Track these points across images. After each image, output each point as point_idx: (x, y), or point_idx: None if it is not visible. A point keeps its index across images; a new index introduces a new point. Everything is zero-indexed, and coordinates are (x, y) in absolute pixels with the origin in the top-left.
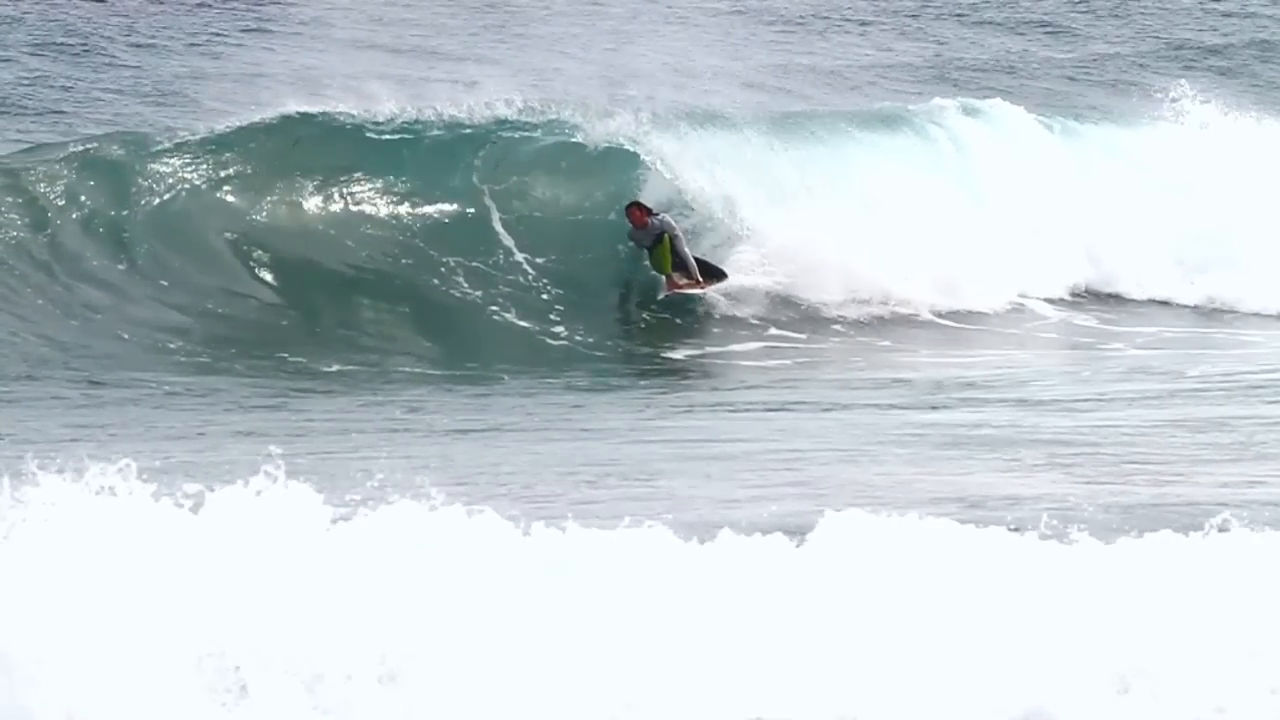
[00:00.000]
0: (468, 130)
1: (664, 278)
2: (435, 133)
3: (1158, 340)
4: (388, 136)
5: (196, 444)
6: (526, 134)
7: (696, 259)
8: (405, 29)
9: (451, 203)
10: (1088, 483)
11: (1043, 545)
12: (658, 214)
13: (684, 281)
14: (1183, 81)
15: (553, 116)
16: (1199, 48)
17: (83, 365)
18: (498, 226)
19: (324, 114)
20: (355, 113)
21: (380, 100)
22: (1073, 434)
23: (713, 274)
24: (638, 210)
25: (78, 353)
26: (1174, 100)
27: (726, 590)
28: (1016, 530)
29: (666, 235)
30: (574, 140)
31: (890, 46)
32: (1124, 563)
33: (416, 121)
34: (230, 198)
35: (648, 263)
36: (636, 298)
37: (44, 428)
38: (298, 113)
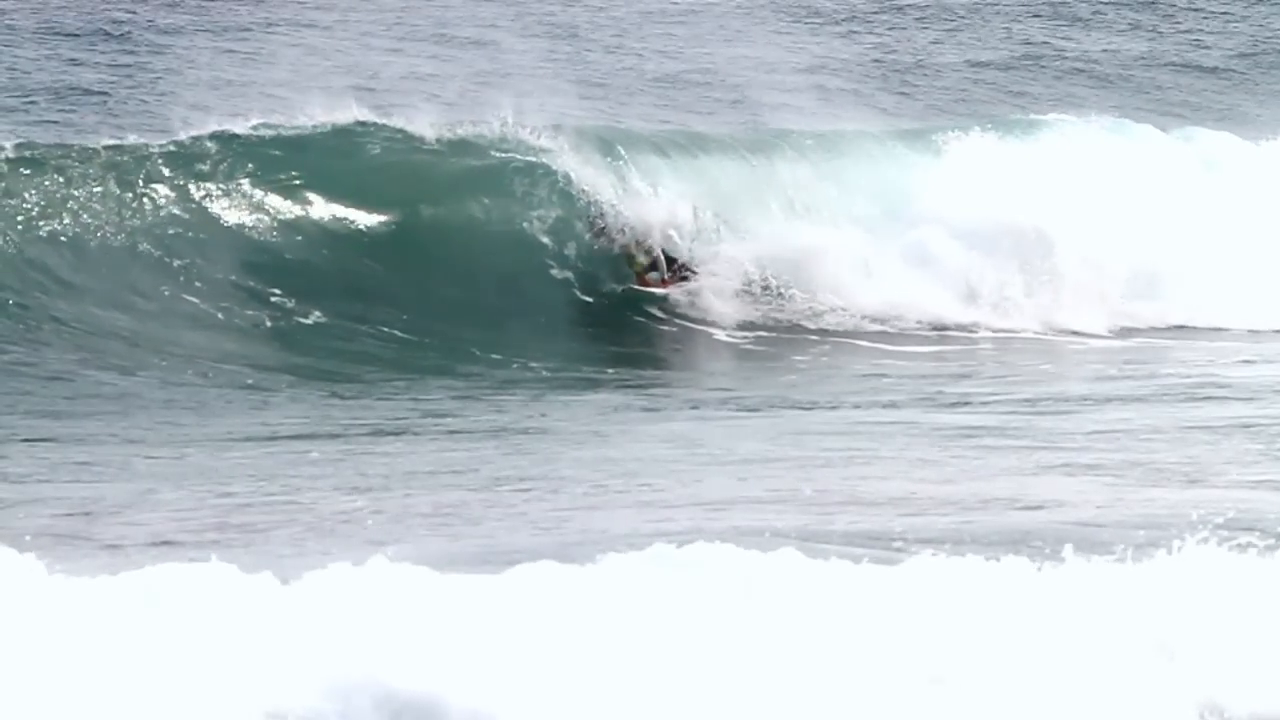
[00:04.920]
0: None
1: (634, 273)
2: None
3: None
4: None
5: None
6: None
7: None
8: (420, 23)
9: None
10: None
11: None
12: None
13: (652, 278)
14: None
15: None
16: None
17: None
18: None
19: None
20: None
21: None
22: None
23: (678, 273)
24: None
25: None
26: None
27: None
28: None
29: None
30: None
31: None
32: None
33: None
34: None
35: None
36: (610, 303)
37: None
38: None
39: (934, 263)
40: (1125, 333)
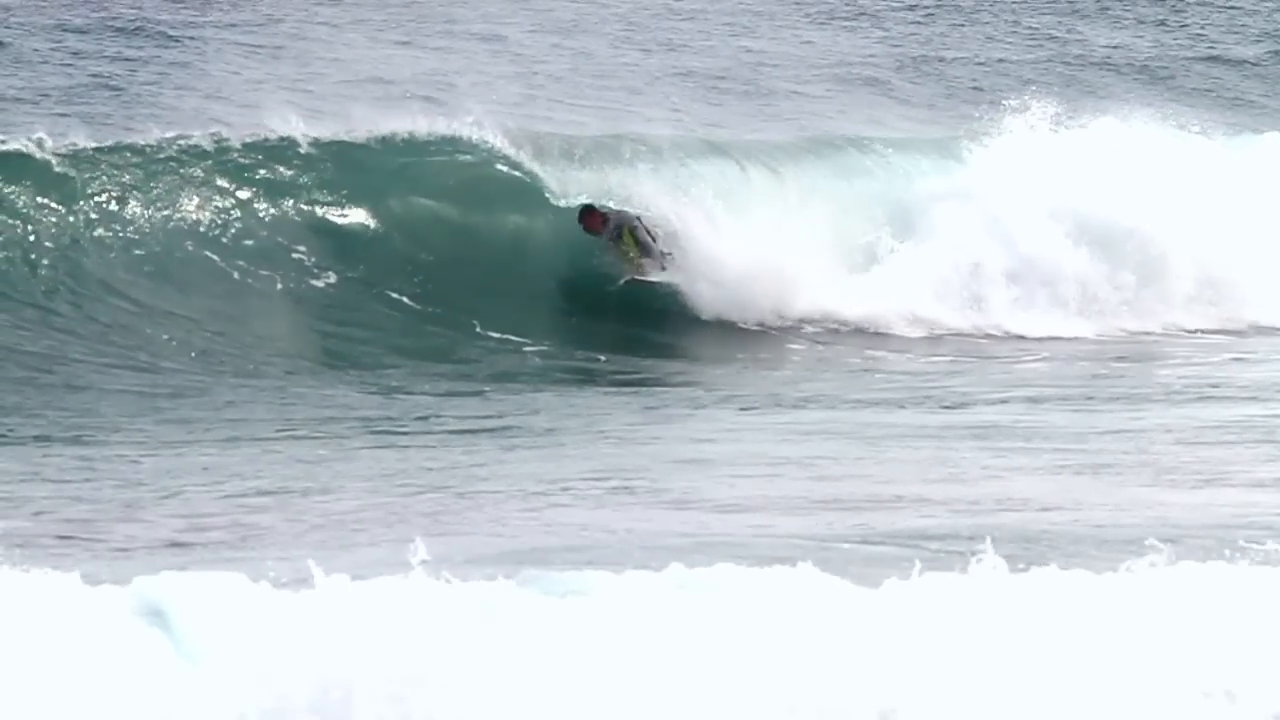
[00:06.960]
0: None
1: (627, 266)
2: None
3: None
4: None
5: None
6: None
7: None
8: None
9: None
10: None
11: None
12: (610, 211)
13: (649, 269)
14: None
15: None
16: None
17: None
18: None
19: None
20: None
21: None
22: None
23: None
24: (591, 218)
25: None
26: None
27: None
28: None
29: (626, 227)
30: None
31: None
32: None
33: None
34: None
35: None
36: (614, 306)
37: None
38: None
39: (1032, 274)
40: (1235, 332)
